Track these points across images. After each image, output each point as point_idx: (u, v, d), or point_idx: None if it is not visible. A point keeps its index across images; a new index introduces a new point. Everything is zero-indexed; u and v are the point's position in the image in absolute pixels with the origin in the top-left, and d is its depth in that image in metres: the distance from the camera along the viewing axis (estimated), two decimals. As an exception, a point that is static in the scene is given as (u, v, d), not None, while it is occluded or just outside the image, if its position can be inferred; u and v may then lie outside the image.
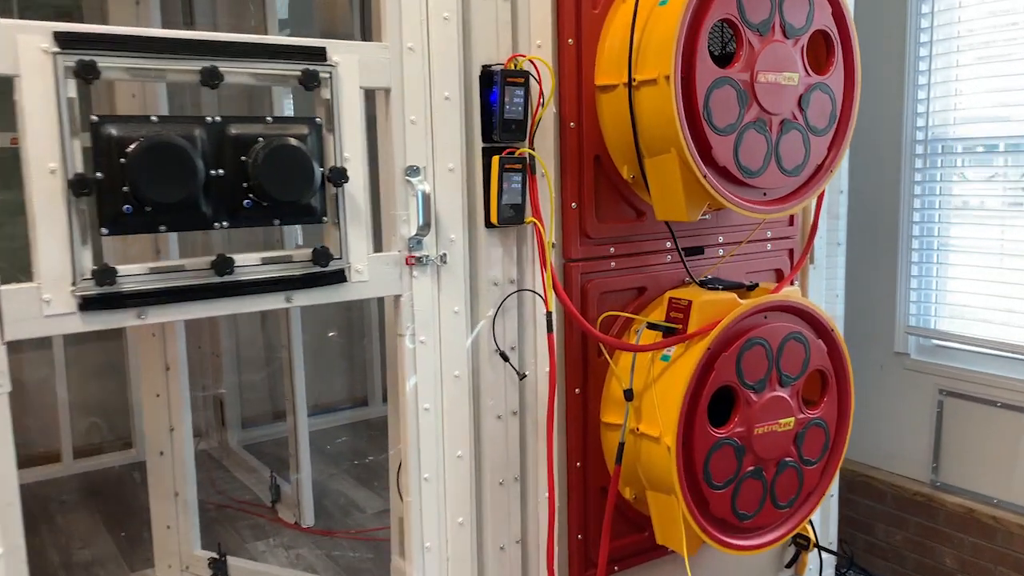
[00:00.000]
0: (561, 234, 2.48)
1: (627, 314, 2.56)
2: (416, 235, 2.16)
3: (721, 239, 2.82)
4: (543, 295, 2.34)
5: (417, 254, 2.20)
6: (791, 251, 3.01)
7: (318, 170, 1.98)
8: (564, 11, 2.40)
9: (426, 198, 2.15)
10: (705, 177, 2.32)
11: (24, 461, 4.65)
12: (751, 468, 2.52)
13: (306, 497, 3.76)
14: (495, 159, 2.26)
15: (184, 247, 3.27)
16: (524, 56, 2.29)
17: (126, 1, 2.95)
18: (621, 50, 2.39)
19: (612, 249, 2.58)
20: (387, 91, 2.15)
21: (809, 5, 2.45)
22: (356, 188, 2.10)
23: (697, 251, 2.78)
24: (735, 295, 2.53)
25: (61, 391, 4.45)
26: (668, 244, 2.67)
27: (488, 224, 2.31)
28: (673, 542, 2.48)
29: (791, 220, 3.00)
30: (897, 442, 3.88)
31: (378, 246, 2.21)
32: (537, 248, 2.34)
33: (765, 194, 2.50)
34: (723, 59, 2.46)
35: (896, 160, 3.77)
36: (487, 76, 2.26)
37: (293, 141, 1.93)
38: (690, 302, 2.50)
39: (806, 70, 2.48)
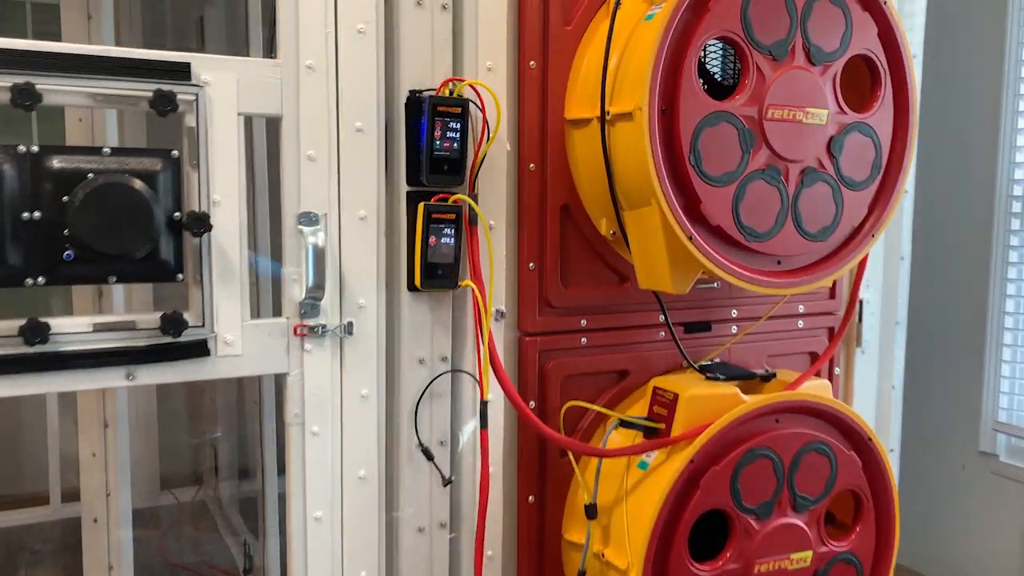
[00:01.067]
0: (516, 301, 1.99)
1: (596, 407, 2.03)
2: (307, 298, 1.71)
3: (735, 312, 2.26)
4: (478, 378, 1.84)
5: (310, 322, 1.75)
6: (831, 330, 2.42)
7: (161, 215, 1.56)
8: (526, 26, 1.93)
9: (319, 253, 1.70)
10: (691, 239, 1.79)
11: (10, 503, 4.43)
12: (747, 618, 1.94)
13: (273, 572, 3.34)
14: (420, 207, 1.79)
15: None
16: (463, 80, 1.82)
17: (77, 17, 2.66)
18: (598, 76, 1.89)
19: (584, 321, 2.06)
20: (277, 120, 1.72)
21: (845, 23, 1.90)
22: (227, 238, 1.67)
23: (702, 327, 2.23)
24: (738, 389, 1.97)
25: (52, 435, 4.21)
26: (662, 317, 2.14)
27: (411, 287, 1.84)
28: None
29: (832, 290, 2.41)
30: (981, 558, 3.16)
31: (279, 311, 1.77)
32: (473, 316, 1.85)
33: (779, 263, 1.94)
34: (729, 91, 1.93)
35: (984, 223, 3.10)
36: (414, 104, 1.81)
37: (128, 179, 1.52)
38: (676, 396, 1.95)
39: (839, 106, 1.92)
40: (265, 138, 2.82)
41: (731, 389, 1.96)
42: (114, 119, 2.71)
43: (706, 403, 1.93)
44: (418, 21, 1.81)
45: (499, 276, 1.94)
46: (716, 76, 2.12)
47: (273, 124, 1.73)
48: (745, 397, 1.94)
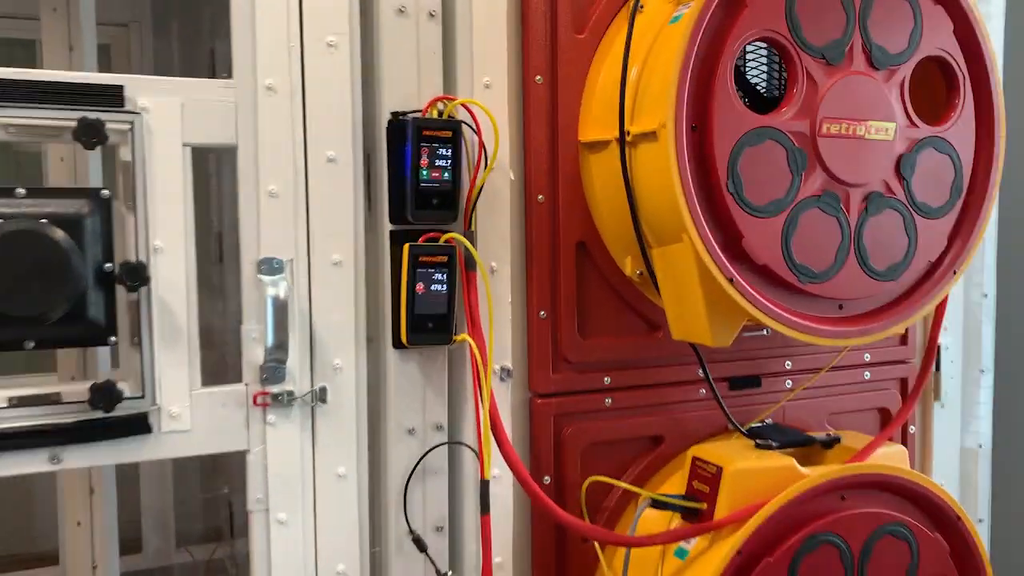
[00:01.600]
0: (525, 357, 1.68)
1: (623, 484, 1.71)
2: (269, 361, 1.43)
3: (789, 364, 1.93)
4: (478, 450, 1.54)
5: (274, 389, 1.47)
6: (903, 381, 2.06)
7: (87, 267, 1.30)
8: (531, 35, 1.65)
9: (281, 307, 1.42)
10: (732, 282, 1.47)
11: (21, 562, 4.21)
12: None
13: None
14: (405, 249, 1.51)
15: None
16: (453, 99, 1.54)
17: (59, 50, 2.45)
18: (616, 91, 1.59)
19: (607, 379, 1.75)
20: (231, 151, 1.46)
21: (914, 19, 1.58)
22: (172, 292, 1.40)
23: (750, 382, 1.89)
24: (795, 459, 1.63)
25: (61, 492, 3.99)
26: (701, 372, 1.81)
27: (397, 343, 1.55)
28: None
29: (904, 335, 2.06)
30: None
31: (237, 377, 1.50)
32: (472, 376, 1.55)
33: (841, 307, 1.61)
34: (774, 104, 1.62)
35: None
36: (396, 128, 1.53)
37: (42, 226, 1.26)
38: (720, 469, 1.62)
39: (909, 118, 1.59)
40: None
41: (786, 460, 1.62)
42: (98, 156, 2.50)
43: (756, 478, 1.59)
44: (400, 32, 1.54)
45: (503, 328, 1.64)
46: (758, 88, 1.81)
47: (229, 156, 1.47)
48: (804, 470, 1.61)
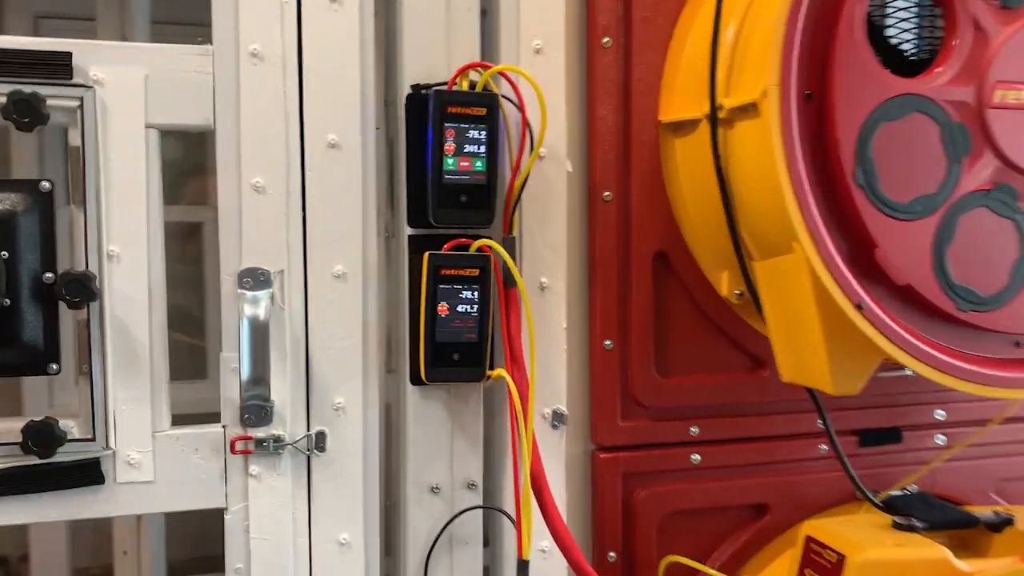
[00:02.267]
0: (585, 399, 1.32)
1: (711, 572, 1.31)
2: (247, 399, 1.13)
3: (941, 415, 1.48)
4: (516, 519, 1.18)
5: (258, 433, 1.17)
6: (1104, 440, 1.56)
7: (21, 278, 1.04)
8: (598, -13, 1.29)
9: (259, 331, 1.12)
10: (860, 308, 1.06)
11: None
12: None
13: None
14: (424, 259, 1.18)
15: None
16: (488, 67, 1.20)
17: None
18: (707, 59, 1.22)
19: (695, 429, 1.36)
20: (207, 134, 1.17)
21: None
22: (131, 309, 1.13)
23: (888, 436, 1.46)
24: (947, 549, 1.19)
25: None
26: (820, 422, 1.40)
27: (415, 378, 1.22)
28: None
29: (1101, 380, 1.56)
30: None
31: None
32: (510, 423, 1.20)
33: (1019, 344, 1.17)
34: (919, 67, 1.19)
35: None
36: (416, 104, 1.20)
37: (-47, 224, 1.01)
38: (842, 558, 1.20)
39: (1124, 82, 1.14)
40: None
41: (936, 550, 1.19)
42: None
43: (894, 573, 1.17)
44: (427, -17, 1.22)
45: (556, 361, 1.29)
46: (900, 48, 1.37)
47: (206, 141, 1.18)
48: (961, 565, 1.17)
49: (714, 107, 1.19)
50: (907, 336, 1.08)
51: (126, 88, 1.12)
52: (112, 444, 1.13)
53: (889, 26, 1.26)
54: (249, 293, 1.15)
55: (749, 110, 1.13)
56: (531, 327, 1.20)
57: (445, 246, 1.20)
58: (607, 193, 1.31)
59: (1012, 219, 1.10)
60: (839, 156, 1.05)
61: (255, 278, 1.16)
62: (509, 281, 1.21)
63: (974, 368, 1.12)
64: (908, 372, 1.38)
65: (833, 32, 1.04)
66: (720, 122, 1.20)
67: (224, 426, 1.17)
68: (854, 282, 1.06)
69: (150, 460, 1.15)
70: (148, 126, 1.13)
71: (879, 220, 1.06)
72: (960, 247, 1.08)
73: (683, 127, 1.29)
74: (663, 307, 1.34)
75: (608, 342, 1.32)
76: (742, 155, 1.17)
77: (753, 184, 1.16)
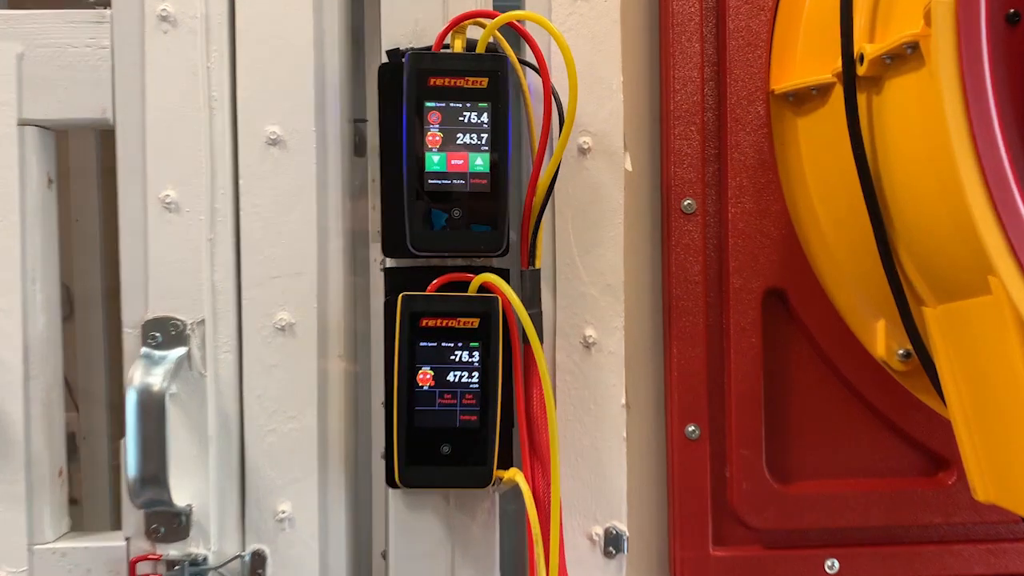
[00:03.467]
0: (661, 516, 0.89)
1: None
2: (141, 501, 0.79)
3: None
4: None
5: (170, 551, 0.82)
6: None
7: None
8: None
9: (150, 410, 0.77)
10: (1122, 401, 0.57)
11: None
12: None
13: None
14: (398, 303, 0.79)
15: None
16: (492, 15, 0.80)
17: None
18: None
19: (834, 564, 0.88)
20: (105, 129, 0.85)
21: None
22: (1, 377, 0.82)
23: None
24: None
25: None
26: (1045, 557, 0.88)
27: (391, 481, 0.83)
28: None
29: None
30: None
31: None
32: (528, 554, 0.79)
33: None
34: None
35: None
36: (389, 78, 0.82)
37: None
38: None
39: None
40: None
41: None
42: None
43: None
44: (411, -94, 0.84)
45: (609, 456, 0.86)
46: None
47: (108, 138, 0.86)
48: None
49: (850, 58, 0.73)
50: None
51: (-9, 71, 0.82)
52: (-30, 561, 0.83)
53: None
54: (155, 352, 0.81)
55: (906, 56, 0.67)
56: (551, 403, 0.78)
57: (432, 284, 0.81)
58: (688, 201, 0.87)
59: None
60: (1078, 121, 0.57)
61: (166, 332, 0.82)
62: (526, 337, 0.80)
63: None
64: None
65: None
66: (860, 82, 0.74)
67: (127, 538, 0.84)
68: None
69: (23, 585, 0.83)
70: (23, 123, 0.83)
71: None
72: None
73: (808, 98, 0.84)
74: (781, 374, 0.89)
75: (692, 428, 0.87)
76: (899, 132, 0.71)
77: (919, 179, 0.69)
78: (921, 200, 0.70)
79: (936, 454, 0.88)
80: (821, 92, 0.82)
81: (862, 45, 0.73)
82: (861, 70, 0.73)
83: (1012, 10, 0.59)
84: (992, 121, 0.58)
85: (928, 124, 0.65)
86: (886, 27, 0.72)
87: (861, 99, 0.74)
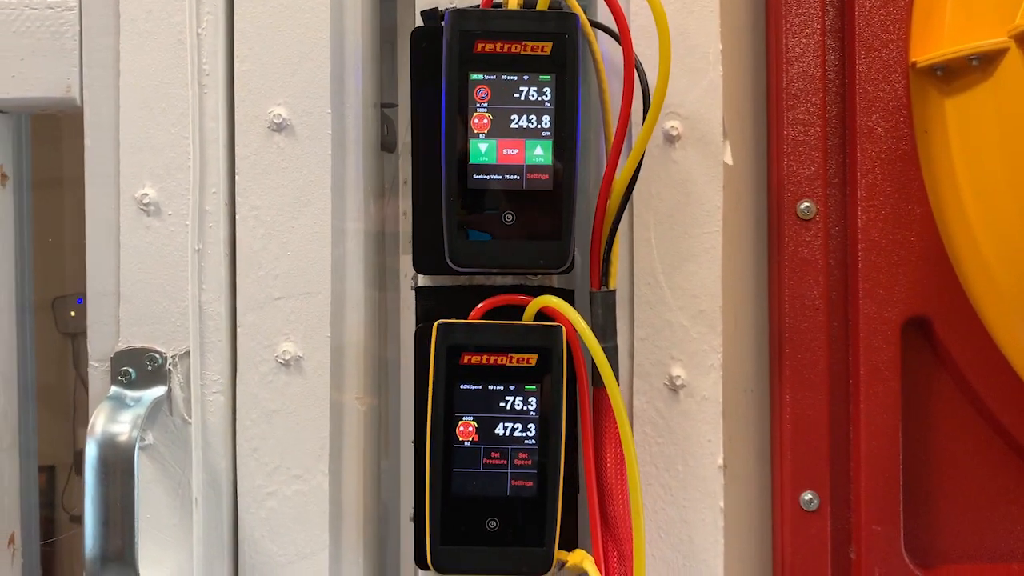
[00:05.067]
0: (766, 600, 0.69)
1: None
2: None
3: None
4: None
5: (141, 646, 0.65)
6: None
7: None
8: None
9: (116, 463, 0.60)
10: None
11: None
12: None
13: None
14: (433, 333, 0.61)
15: None
16: (561, -34, 0.62)
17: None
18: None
19: (996, 668, 0.68)
20: (70, 111, 0.68)
21: None
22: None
23: None
24: None
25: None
26: None
27: (421, 561, 0.64)
28: None
29: None
30: None
31: None
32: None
33: None
34: None
35: None
36: (424, 45, 0.64)
37: None
38: None
39: None
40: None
41: None
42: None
43: None
44: None
45: (704, 530, 0.66)
46: None
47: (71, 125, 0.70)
48: None
49: (1042, 10, 0.54)
50: None
51: (-67, 41, 0.66)
52: (-101, 651, 0.66)
53: None
54: (127, 393, 0.64)
55: None
56: (632, 463, 0.59)
57: (476, 309, 0.63)
58: (807, 204, 0.68)
59: None
60: None
61: (140, 367, 0.65)
62: (599, 380, 0.62)
63: None
64: None
65: None
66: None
67: (92, 624, 0.66)
68: None
69: None
70: (-31, 110, 0.66)
71: None
72: None
73: (964, 71, 0.65)
74: (926, 427, 0.69)
75: (809, 496, 0.68)
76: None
77: None
78: None
79: None
80: (984, 62, 0.63)
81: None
82: (1056, 26, 0.54)
83: None
84: None
85: None
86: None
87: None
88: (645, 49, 0.63)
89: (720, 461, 0.67)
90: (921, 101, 0.68)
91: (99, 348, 0.67)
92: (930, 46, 0.67)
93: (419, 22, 0.66)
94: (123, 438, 0.61)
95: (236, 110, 0.66)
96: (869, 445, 0.68)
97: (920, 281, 0.68)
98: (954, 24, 0.65)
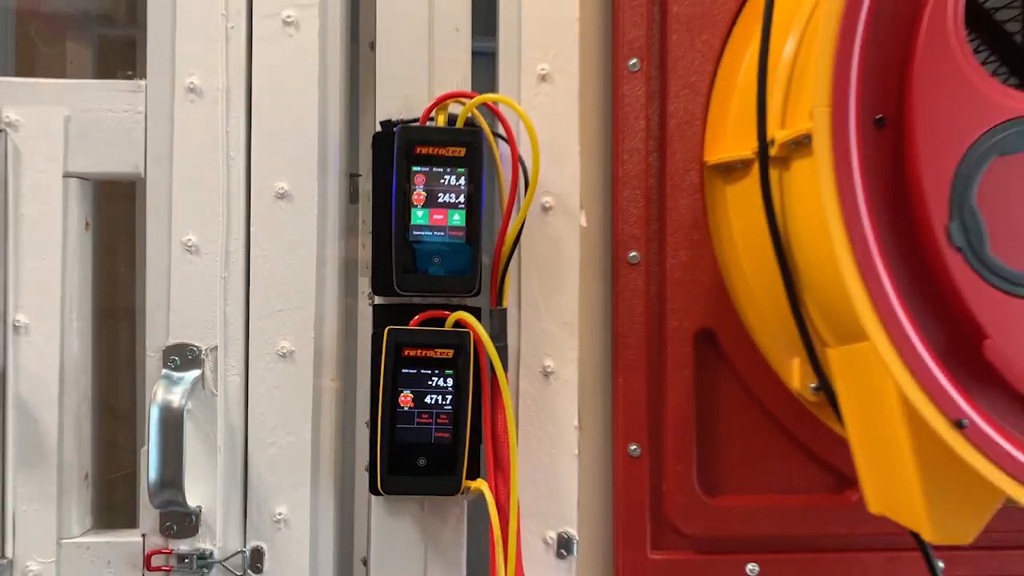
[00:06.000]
0: (606, 523, 1.03)
1: None
2: (159, 502, 0.92)
3: (1117, 560, 1.07)
4: None
5: (181, 546, 0.95)
6: None
7: None
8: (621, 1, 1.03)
9: (171, 423, 0.91)
10: (960, 427, 0.72)
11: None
12: None
13: None
14: (384, 336, 0.94)
15: None
16: (470, 96, 0.96)
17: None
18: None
19: (754, 567, 1.03)
20: (137, 181, 0.99)
21: None
22: (39, 389, 0.95)
23: (1033, 587, 1.06)
24: None
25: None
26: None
27: (374, 488, 0.96)
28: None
29: None
30: None
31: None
32: (488, 554, 0.92)
33: None
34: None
35: None
36: (382, 146, 0.97)
37: None
38: None
39: None
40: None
41: None
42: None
43: None
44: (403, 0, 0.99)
45: (564, 470, 1.00)
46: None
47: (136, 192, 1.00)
48: None
49: (764, 141, 0.89)
50: (1039, 469, 0.73)
51: (42, 131, 0.96)
52: (8, 552, 0.95)
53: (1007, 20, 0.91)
54: (175, 374, 0.95)
55: (805, 144, 0.83)
56: (512, 424, 0.92)
57: (413, 320, 0.96)
58: (634, 253, 1.02)
59: None
60: (926, 205, 0.72)
61: (183, 356, 0.96)
62: (493, 367, 0.95)
63: None
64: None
65: (913, 28, 0.73)
66: (772, 161, 0.89)
67: (143, 535, 0.97)
68: (951, 388, 0.73)
69: (53, 573, 0.95)
70: (67, 175, 0.96)
71: (989, 298, 0.72)
72: (1124, 341, 0.72)
73: (735, 170, 0.99)
74: (709, 401, 1.04)
75: (635, 447, 1.02)
76: (801, 204, 0.87)
77: (816, 243, 0.85)
78: (819, 261, 0.85)
79: (842, 474, 1.03)
80: (744, 165, 0.97)
81: (774, 131, 0.89)
82: (773, 151, 0.89)
83: (879, 115, 0.75)
84: (858, 198, 0.73)
85: (815, 196, 0.80)
86: (793, 117, 0.88)
87: (773, 174, 0.90)
88: (527, 150, 0.96)
89: (576, 423, 1.00)
90: (710, 187, 1.02)
91: (154, 343, 0.97)
92: (716, 152, 1.01)
93: (378, 127, 0.99)
94: (175, 404, 0.92)
95: (252, 183, 0.97)
96: (673, 413, 1.01)
97: (708, 304, 1.02)
98: (730, 140, 1.00)
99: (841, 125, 0.73)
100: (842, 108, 0.73)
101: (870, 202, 0.74)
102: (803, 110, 0.86)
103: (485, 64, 1.04)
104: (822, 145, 0.73)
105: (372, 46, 1.02)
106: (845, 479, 1.04)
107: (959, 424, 0.72)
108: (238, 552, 0.97)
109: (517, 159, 0.96)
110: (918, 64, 0.73)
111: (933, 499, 0.77)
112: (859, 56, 0.73)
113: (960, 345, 0.74)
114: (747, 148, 0.96)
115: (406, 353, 0.94)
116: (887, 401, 0.77)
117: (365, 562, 1.02)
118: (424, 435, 0.94)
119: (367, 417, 0.99)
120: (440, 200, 0.94)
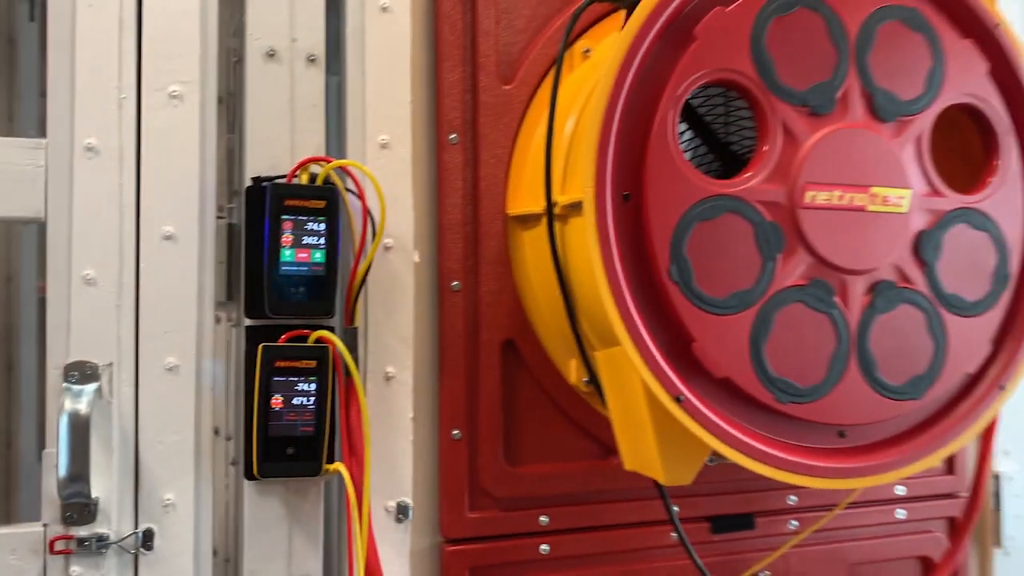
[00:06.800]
0: (433, 491, 1.32)
1: (554, 661, 1.30)
2: (66, 494, 1.10)
3: (793, 499, 1.51)
4: (353, 620, 1.16)
5: (80, 532, 1.13)
6: (952, 521, 1.60)
7: None
8: (444, 86, 1.33)
9: (78, 427, 1.09)
10: (679, 401, 1.08)
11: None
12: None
13: None
14: (259, 351, 1.17)
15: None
16: (328, 161, 1.22)
17: None
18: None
19: (545, 519, 1.36)
20: (38, 225, 1.16)
21: (932, 56, 1.21)
22: (-56, 405, 1.09)
23: (740, 523, 1.48)
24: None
25: None
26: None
27: (248, 474, 1.20)
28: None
29: (950, 463, 1.61)
30: None
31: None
32: (346, 518, 1.18)
33: (842, 435, 1.20)
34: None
35: None
36: (255, 198, 1.21)
37: None
38: (684, 649, 1.20)
39: (931, 184, 1.20)
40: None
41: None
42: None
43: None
44: (271, 80, 1.24)
45: (401, 452, 1.28)
46: (733, 147, 1.44)
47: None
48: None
49: (550, 202, 1.23)
50: (726, 427, 1.10)
51: (-49, 181, 1.11)
52: (-84, 546, 1.09)
53: (728, 124, 1.32)
54: (80, 387, 1.13)
55: (578, 207, 1.16)
56: (366, 418, 1.19)
57: (282, 337, 1.20)
58: (455, 283, 1.32)
59: (827, 313, 1.14)
60: (655, 254, 1.08)
61: (82, 371, 1.14)
62: (348, 373, 1.21)
63: (796, 459, 1.14)
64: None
65: (646, 135, 1.09)
66: (556, 217, 1.23)
67: (45, 525, 1.13)
68: (673, 375, 1.08)
69: (-40, 561, 1.10)
70: (-24, 218, 1.12)
71: (696, 315, 1.09)
72: (777, 341, 1.11)
73: (529, 220, 1.32)
74: (512, 395, 1.35)
75: (456, 432, 1.32)
76: (575, 250, 1.20)
77: (585, 278, 1.19)
78: (588, 289, 1.19)
79: (608, 445, 1.38)
80: (537, 218, 1.30)
81: (557, 195, 1.23)
82: (556, 210, 1.22)
83: (626, 192, 1.10)
84: (612, 248, 1.06)
85: (585, 245, 1.14)
86: (571, 185, 1.22)
87: (557, 226, 1.23)
88: (374, 202, 1.23)
89: (411, 415, 1.28)
90: (513, 233, 1.34)
91: (55, 360, 1.14)
92: (516, 206, 1.34)
93: (249, 182, 1.22)
94: (82, 411, 1.10)
95: (141, 228, 1.17)
96: (485, 405, 1.32)
97: (511, 321, 1.34)
98: (525, 197, 1.33)
99: (601, 198, 1.07)
100: (601, 187, 1.07)
101: (620, 251, 1.08)
102: (578, 181, 1.20)
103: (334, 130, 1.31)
104: (588, 211, 1.07)
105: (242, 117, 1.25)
106: (609, 449, 1.39)
107: (678, 399, 1.08)
108: (132, 534, 1.16)
109: (366, 210, 1.23)
110: (649, 159, 1.08)
111: (665, 454, 1.13)
112: (613, 151, 1.07)
113: (679, 346, 1.10)
114: (538, 205, 1.28)
115: (278, 364, 1.18)
116: (634, 386, 1.12)
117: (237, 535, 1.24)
118: (292, 429, 1.19)
119: (240, 420, 1.22)
120: (304, 242, 1.20)
